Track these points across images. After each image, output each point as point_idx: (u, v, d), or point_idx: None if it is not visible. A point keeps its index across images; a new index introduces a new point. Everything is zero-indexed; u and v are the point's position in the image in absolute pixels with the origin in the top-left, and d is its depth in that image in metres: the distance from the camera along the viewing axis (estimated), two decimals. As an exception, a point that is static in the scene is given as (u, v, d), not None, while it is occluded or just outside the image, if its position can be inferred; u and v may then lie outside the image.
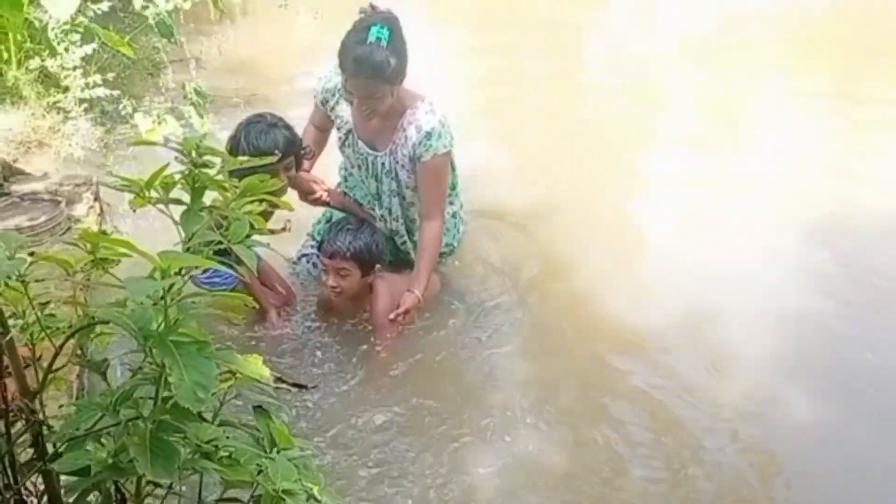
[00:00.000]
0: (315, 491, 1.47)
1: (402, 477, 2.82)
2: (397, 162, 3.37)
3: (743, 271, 3.80)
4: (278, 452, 1.49)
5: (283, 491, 1.40)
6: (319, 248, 3.43)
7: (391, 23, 3.13)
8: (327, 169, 3.67)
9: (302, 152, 3.36)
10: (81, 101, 4.77)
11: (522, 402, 3.14)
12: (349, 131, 3.46)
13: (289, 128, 3.31)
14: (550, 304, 3.60)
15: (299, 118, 5.23)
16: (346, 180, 3.67)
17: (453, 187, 3.60)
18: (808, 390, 3.19)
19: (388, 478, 2.81)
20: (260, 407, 1.56)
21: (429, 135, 3.27)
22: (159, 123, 4.83)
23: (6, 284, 1.45)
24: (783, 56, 6.54)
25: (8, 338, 1.35)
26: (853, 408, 3.15)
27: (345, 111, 3.44)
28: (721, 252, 3.92)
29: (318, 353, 3.36)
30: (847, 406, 3.15)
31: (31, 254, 1.48)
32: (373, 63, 3.08)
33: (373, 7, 3.21)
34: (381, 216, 3.55)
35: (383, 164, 3.41)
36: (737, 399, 3.14)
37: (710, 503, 2.74)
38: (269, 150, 3.13)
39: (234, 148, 3.17)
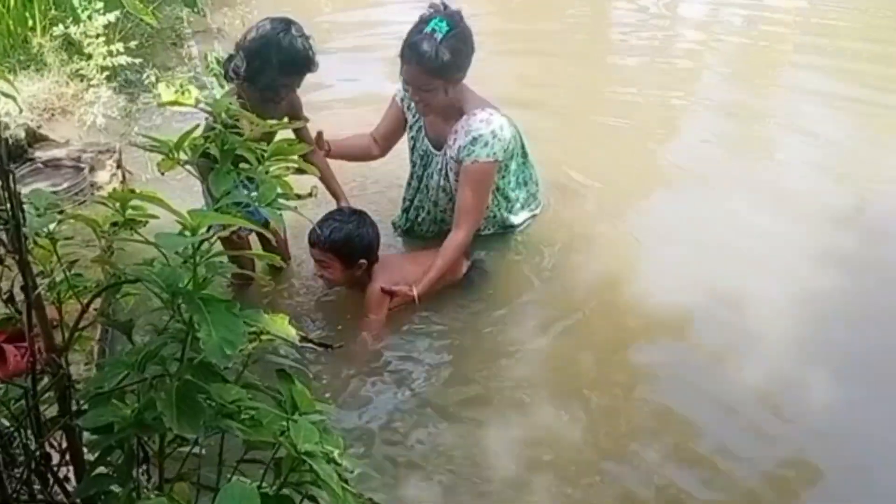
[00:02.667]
0: (335, 454, 1.47)
1: (417, 447, 2.83)
2: (447, 164, 3.43)
3: (767, 256, 3.76)
4: (300, 415, 1.50)
5: (305, 453, 1.41)
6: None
7: (453, 20, 3.22)
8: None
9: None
10: (104, 69, 4.77)
11: (541, 378, 3.14)
12: (420, 127, 3.55)
13: None
14: (571, 283, 3.58)
15: (317, 94, 5.26)
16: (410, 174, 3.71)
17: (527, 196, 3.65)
18: (831, 375, 3.16)
19: (403, 447, 2.83)
20: (282, 370, 1.57)
21: (475, 140, 3.30)
22: (182, 93, 4.84)
23: (35, 242, 1.46)
24: (811, 49, 6.45)
25: (36, 293, 1.35)
26: (877, 393, 3.11)
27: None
28: (745, 236, 3.87)
29: (344, 315, 3.40)
30: (871, 392, 3.11)
31: (60, 212, 1.50)
32: (421, 51, 3.19)
33: (443, 5, 3.29)
34: (428, 210, 3.60)
35: (438, 163, 3.47)
36: (759, 382, 3.11)
37: (728, 484, 2.73)
38: (306, 55, 3.13)
39: (264, 48, 3.08)
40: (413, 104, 3.50)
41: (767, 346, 3.29)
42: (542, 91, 5.33)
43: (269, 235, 2.43)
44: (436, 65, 3.19)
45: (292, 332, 1.40)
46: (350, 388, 3.06)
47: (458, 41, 3.22)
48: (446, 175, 3.46)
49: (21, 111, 4.17)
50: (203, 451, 1.54)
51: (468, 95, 3.39)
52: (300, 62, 3.13)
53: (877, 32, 6.78)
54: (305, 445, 1.41)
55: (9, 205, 1.22)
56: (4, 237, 1.34)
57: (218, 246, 1.39)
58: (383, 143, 3.72)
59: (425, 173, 3.56)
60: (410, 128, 3.58)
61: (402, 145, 3.80)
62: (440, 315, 3.39)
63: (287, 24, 3.14)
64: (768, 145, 4.84)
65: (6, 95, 1.51)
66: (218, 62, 4.88)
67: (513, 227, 3.71)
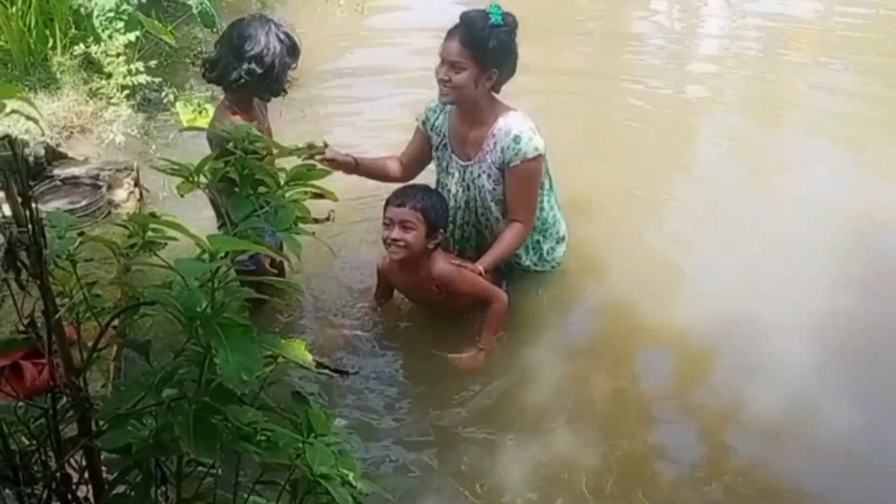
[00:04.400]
0: (350, 477, 1.48)
1: (431, 469, 2.84)
2: (484, 171, 3.40)
3: (785, 279, 3.75)
4: (316, 438, 1.51)
5: (320, 475, 1.42)
6: (386, 203, 3.33)
7: (510, 18, 3.26)
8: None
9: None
10: (123, 87, 4.82)
11: (554, 400, 3.15)
12: (445, 144, 3.53)
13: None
14: (586, 303, 3.60)
15: (333, 112, 5.29)
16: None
17: (554, 222, 3.61)
18: (849, 401, 3.15)
19: (418, 469, 2.84)
20: (298, 393, 1.58)
21: (517, 138, 3.30)
22: (199, 112, 4.89)
23: (55, 264, 1.48)
24: (830, 64, 6.44)
25: (57, 317, 1.37)
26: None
27: (443, 125, 3.52)
28: (763, 257, 3.87)
29: (360, 341, 3.42)
30: (890, 417, 3.10)
31: (80, 234, 1.52)
32: (470, 22, 3.22)
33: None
34: (459, 225, 3.58)
35: (471, 172, 3.45)
36: (776, 407, 3.10)
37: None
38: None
39: (274, 48, 3.13)
40: (436, 124, 3.52)
41: (785, 371, 3.28)
42: (553, 106, 5.34)
43: (284, 259, 2.44)
44: (478, 41, 3.19)
45: (309, 358, 1.41)
46: (364, 410, 3.07)
47: (508, 39, 3.25)
48: (483, 183, 3.42)
49: (43, 133, 4.21)
50: (219, 472, 1.56)
51: (496, 103, 3.38)
52: (298, 47, 3.24)
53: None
54: (321, 468, 1.42)
55: (31, 230, 1.23)
56: (25, 258, 1.36)
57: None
58: (410, 167, 3.70)
59: (459, 188, 3.53)
60: (436, 148, 3.57)
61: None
62: (456, 336, 3.40)
63: (263, 18, 3.25)
64: (787, 166, 4.81)
65: (29, 118, 1.53)
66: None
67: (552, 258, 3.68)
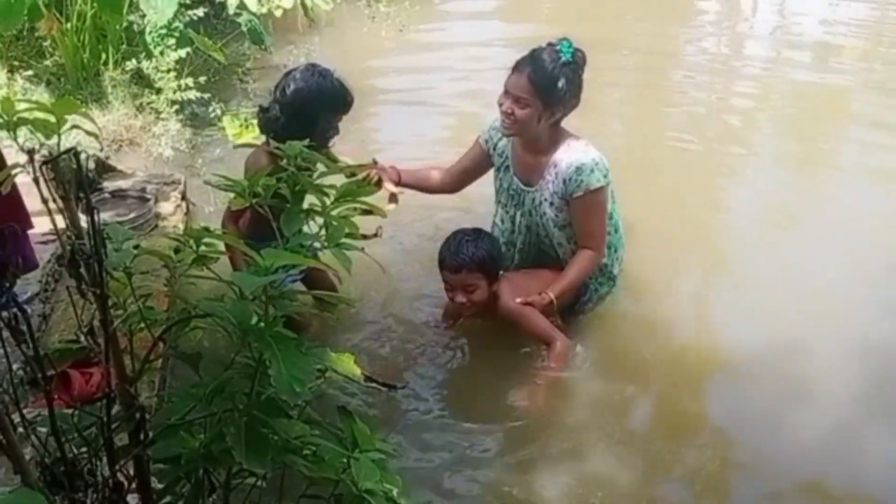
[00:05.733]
0: (394, 493, 1.49)
1: (469, 486, 2.84)
2: (546, 199, 3.38)
3: (828, 304, 3.70)
4: (361, 453, 1.52)
5: (365, 490, 1.43)
6: (441, 265, 3.32)
7: (579, 55, 3.23)
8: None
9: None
10: (173, 102, 4.92)
11: (595, 423, 3.13)
12: (507, 167, 3.51)
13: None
14: (628, 324, 3.57)
15: (376, 129, 5.32)
16: (495, 214, 3.68)
17: (616, 248, 3.57)
18: (892, 428, 3.11)
19: (454, 484, 2.84)
20: (343, 408, 1.60)
21: (579, 170, 3.26)
22: (245, 127, 4.96)
23: (111, 276, 1.52)
24: (878, 90, 6.36)
25: (114, 327, 1.40)
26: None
27: (506, 147, 3.49)
28: (807, 283, 3.82)
29: (409, 356, 3.43)
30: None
31: (136, 247, 1.55)
32: (539, 60, 3.18)
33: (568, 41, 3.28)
34: (519, 249, 3.57)
35: (533, 199, 3.43)
36: (817, 433, 3.06)
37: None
38: (347, 91, 3.20)
39: (311, 96, 3.14)
40: (499, 144, 3.49)
41: (826, 397, 3.23)
42: (598, 129, 5.34)
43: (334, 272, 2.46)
44: (546, 79, 3.16)
45: (357, 372, 1.43)
46: (408, 426, 3.08)
47: (575, 77, 3.21)
48: (545, 210, 3.40)
49: (102, 148, 4.30)
50: (264, 485, 1.57)
51: (561, 131, 3.35)
52: (346, 99, 3.20)
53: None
54: (366, 483, 1.44)
55: (93, 241, 1.26)
56: (84, 271, 1.40)
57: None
58: (459, 179, 3.68)
59: (518, 212, 3.51)
60: (498, 169, 3.55)
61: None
62: (492, 355, 3.40)
63: (316, 67, 3.22)
64: (831, 191, 4.76)
65: (89, 133, 1.56)
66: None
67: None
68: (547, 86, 3.17)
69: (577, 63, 3.22)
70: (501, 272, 3.33)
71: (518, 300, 3.26)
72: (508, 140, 3.47)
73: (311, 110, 3.13)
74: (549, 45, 3.23)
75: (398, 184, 3.50)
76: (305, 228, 1.57)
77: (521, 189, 3.46)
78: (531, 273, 3.49)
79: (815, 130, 5.72)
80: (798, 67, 6.70)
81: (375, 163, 3.38)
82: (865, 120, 5.80)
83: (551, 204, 3.36)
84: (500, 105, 3.28)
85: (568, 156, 3.29)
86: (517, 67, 3.23)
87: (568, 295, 3.40)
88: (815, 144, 5.51)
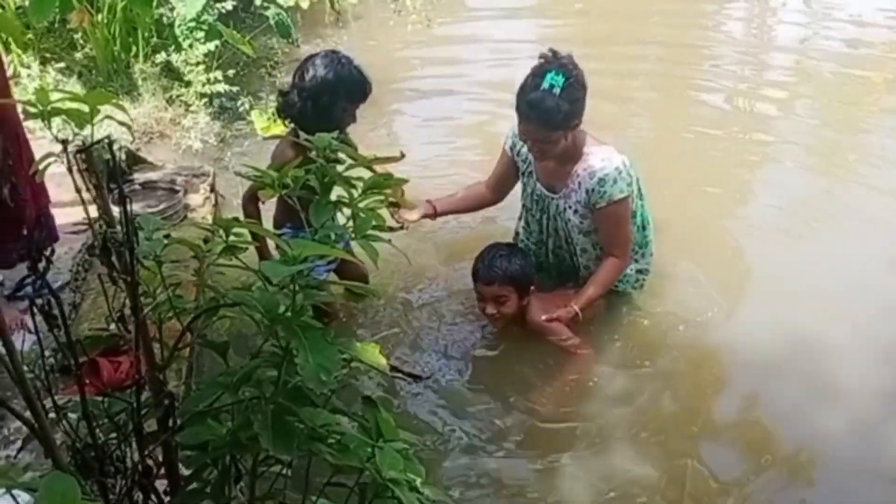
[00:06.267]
0: (418, 483, 1.50)
1: (492, 482, 2.85)
2: (570, 206, 3.38)
3: (852, 305, 3.67)
4: (385, 443, 1.53)
5: (389, 480, 1.44)
6: (475, 277, 3.40)
7: (567, 70, 3.18)
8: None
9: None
10: (202, 95, 4.97)
11: (621, 420, 3.13)
12: (530, 172, 3.52)
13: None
14: (652, 322, 3.56)
15: (403, 122, 5.33)
16: (521, 217, 3.70)
17: (644, 244, 3.57)
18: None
19: (478, 478, 2.85)
20: (368, 397, 1.61)
21: (602, 181, 3.25)
22: (273, 121, 4.99)
23: (142, 264, 1.54)
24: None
25: (143, 314, 1.42)
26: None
27: (529, 153, 3.46)
28: (831, 283, 3.78)
29: (434, 347, 3.46)
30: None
31: (166, 236, 1.57)
32: (542, 109, 3.14)
33: (553, 53, 3.25)
34: (552, 250, 3.58)
35: (557, 205, 3.43)
36: (841, 434, 3.05)
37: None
38: (366, 80, 3.20)
39: (328, 83, 3.14)
40: (522, 150, 3.48)
41: (850, 397, 3.22)
42: (622, 121, 5.32)
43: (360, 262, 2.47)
44: (558, 120, 3.15)
45: (383, 362, 1.44)
46: (432, 416, 3.10)
47: (575, 89, 3.18)
48: (569, 217, 3.41)
49: (133, 140, 4.35)
50: (289, 473, 1.59)
51: (582, 136, 3.33)
52: (364, 88, 3.21)
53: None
54: (390, 472, 1.44)
55: (126, 229, 1.28)
56: (115, 259, 1.42)
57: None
58: (498, 189, 3.70)
59: (544, 216, 3.52)
60: (522, 174, 3.56)
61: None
62: (519, 353, 3.41)
63: (337, 55, 3.22)
64: (857, 190, 4.70)
65: (122, 124, 1.59)
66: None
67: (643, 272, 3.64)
68: (557, 119, 3.15)
69: (570, 78, 3.16)
70: (532, 287, 3.37)
71: (544, 317, 3.32)
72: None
73: (328, 97, 3.14)
74: (539, 84, 3.16)
75: (435, 216, 3.55)
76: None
77: (545, 195, 3.47)
78: (559, 293, 3.51)
79: (844, 123, 5.66)
80: (827, 59, 6.64)
81: (403, 156, 3.38)
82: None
83: (575, 211, 3.37)
84: (525, 143, 3.32)
85: (590, 166, 3.28)
86: (523, 118, 3.21)
87: (594, 303, 3.42)
88: (844, 137, 5.46)
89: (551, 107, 3.12)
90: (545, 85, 3.13)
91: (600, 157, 3.28)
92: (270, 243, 2.70)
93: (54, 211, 3.04)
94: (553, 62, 3.20)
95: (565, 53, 3.24)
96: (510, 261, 3.30)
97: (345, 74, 3.16)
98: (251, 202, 3.23)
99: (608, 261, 3.39)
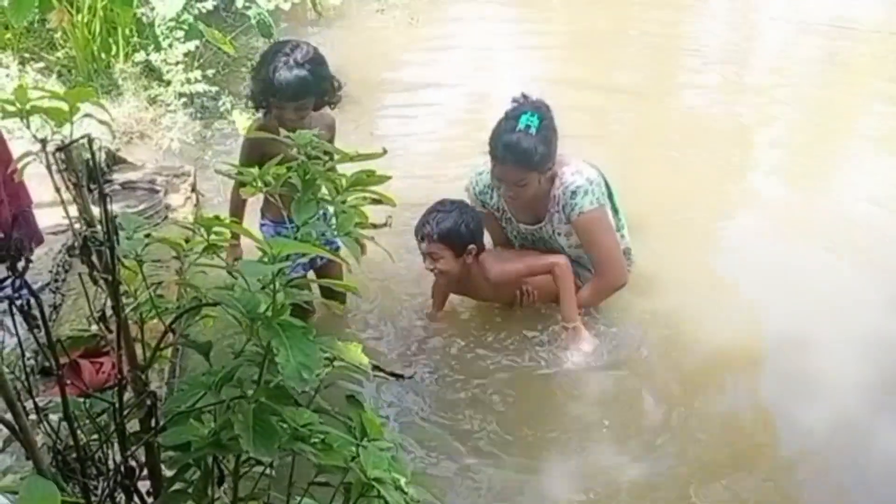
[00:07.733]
0: (402, 482, 1.50)
1: (479, 477, 2.84)
2: (555, 229, 3.42)
3: (835, 300, 3.71)
4: (369, 442, 1.53)
5: (374, 479, 1.44)
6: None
7: (541, 111, 3.23)
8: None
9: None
10: (182, 95, 4.94)
11: (603, 419, 3.12)
12: (508, 218, 3.55)
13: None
14: (634, 318, 3.57)
15: (385, 119, 5.31)
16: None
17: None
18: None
19: (466, 477, 2.84)
20: (352, 397, 1.60)
21: (574, 193, 3.29)
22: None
23: (123, 264, 1.52)
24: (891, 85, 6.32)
25: (125, 314, 1.41)
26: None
27: (499, 201, 3.52)
28: (814, 279, 3.81)
29: (417, 345, 3.47)
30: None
31: (147, 236, 1.56)
32: (520, 150, 3.18)
33: (524, 96, 3.30)
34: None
35: (546, 231, 3.46)
36: (825, 428, 3.06)
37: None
38: (281, 84, 3.01)
39: (259, 74, 3.11)
40: (490, 202, 3.52)
41: (834, 392, 3.23)
42: (605, 122, 5.34)
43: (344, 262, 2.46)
44: (535, 160, 3.20)
45: (365, 361, 1.43)
46: (416, 414, 3.10)
47: (549, 130, 3.23)
48: (558, 240, 3.45)
49: (114, 138, 4.32)
50: (273, 473, 1.58)
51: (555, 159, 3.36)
52: (280, 91, 3.03)
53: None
54: (375, 471, 1.44)
55: (106, 228, 1.27)
56: (95, 258, 1.41)
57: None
58: (501, 238, 3.70)
59: (540, 243, 3.55)
60: (500, 220, 3.60)
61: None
62: (502, 351, 3.41)
63: (279, 48, 3.10)
64: (841, 187, 4.74)
65: (102, 122, 1.57)
66: None
67: None
68: (533, 160, 3.20)
69: (544, 120, 3.21)
70: (472, 246, 3.36)
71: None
72: (497, 193, 3.48)
73: (260, 96, 3.14)
74: (514, 127, 3.20)
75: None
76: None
77: (530, 229, 3.51)
78: (518, 252, 3.58)
79: (829, 123, 5.71)
80: (811, 61, 6.69)
81: (385, 152, 3.37)
82: (880, 112, 5.78)
83: (559, 234, 3.43)
84: (500, 188, 3.35)
85: (563, 183, 3.32)
86: (500, 161, 3.24)
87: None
88: (828, 137, 5.50)
89: (528, 147, 3.17)
90: (520, 126, 3.18)
91: (571, 172, 3.33)
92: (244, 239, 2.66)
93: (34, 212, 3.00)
94: (527, 104, 3.26)
95: (537, 98, 3.30)
96: (445, 219, 3.32)
97: (267, 71, 3.04)
98: (238, 192, 3.22)
99: (597, 281, 3.44)
